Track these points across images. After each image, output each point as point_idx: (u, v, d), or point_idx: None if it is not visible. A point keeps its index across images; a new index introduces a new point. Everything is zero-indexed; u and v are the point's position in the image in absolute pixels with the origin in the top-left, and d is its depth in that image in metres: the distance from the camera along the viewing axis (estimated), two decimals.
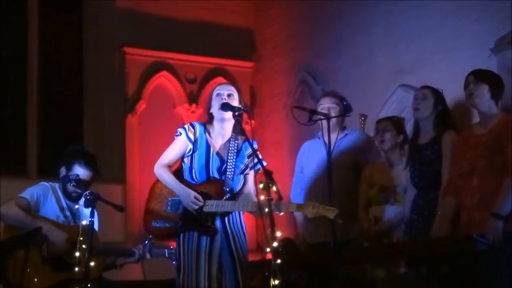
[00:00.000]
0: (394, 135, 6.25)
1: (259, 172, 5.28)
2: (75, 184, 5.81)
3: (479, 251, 4.85)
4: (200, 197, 5.08)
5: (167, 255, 6.00)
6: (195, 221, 5.10)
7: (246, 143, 5.24)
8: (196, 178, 5.20)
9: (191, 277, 5.05)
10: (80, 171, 5.93)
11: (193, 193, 5.08)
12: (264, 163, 5.03)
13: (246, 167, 5.28)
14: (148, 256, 6.08)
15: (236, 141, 5.27)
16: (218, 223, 5.14)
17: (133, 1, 9.66)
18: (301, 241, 6.60)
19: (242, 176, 5.27)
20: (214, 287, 5.03)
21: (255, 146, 5.20)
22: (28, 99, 9.52)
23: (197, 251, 5.08)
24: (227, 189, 5.16)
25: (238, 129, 5.30)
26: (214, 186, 5.16)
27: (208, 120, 5.35)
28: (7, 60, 9.43)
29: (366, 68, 8.43)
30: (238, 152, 5.27)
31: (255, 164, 5.26)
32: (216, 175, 5.19)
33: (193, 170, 5.20)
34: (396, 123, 6.35)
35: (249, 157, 5.28)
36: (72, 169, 5.94)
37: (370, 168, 6.35)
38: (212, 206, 5.09)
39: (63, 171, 6.01)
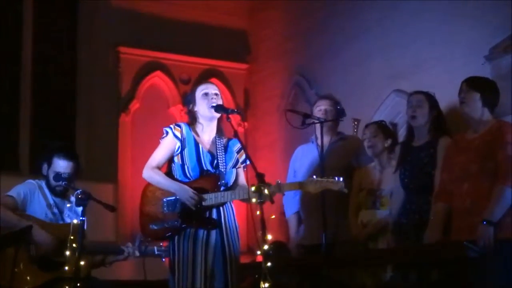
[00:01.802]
0: (382, 139, 6.29)
1: (246, 169, 5.31)
2: (65, 182, 5.82)
3: (469, 258, 4.84)
4: (197, 192, 5.08)
5: (156, 252, 5.98)
6: (195, 216, 5.10)
7: (233, 140, 5.30)
8: (190, 175, 5.20)
9: (186, 274, 5.03)
10: (60, 163, 5.93)
11: (190, 188, 5.09)
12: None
13: (237, 161, 5.31)
14: (137, 254, 6.06)
15: (221, 139, 5.30)
16: (215, 216, 5.16)
17: (129, 0, 9.65)
18: (292, 244, 6.60)
19: (234, 169, 5.29)
20: (210, 285, 5.02)
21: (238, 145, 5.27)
22: (21, 96, 9.49)
23: (194, 250, 5.07)
24: (223, 182, 5.17)
25: (221, 129, 5.33)
26: (209, 180, 5.17)
27: (191, 120, 5.36)
28: (1, 58, 9.40)
29: (360, 73, 8.43)
30: (226, 148, 5.30)
31: (245, 159, 5.28)
32: (210, 169, 5.20)
33: (186, 167, 5.20)
34: (384, 127, 6.40)
35: (237, 152, 5.32)
36: (52, 163, 5.94)
37: (359, 172, 6.37)
38: (211, 199, 5.11)
39: (45, 167, 6.01)
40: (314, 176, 5.11)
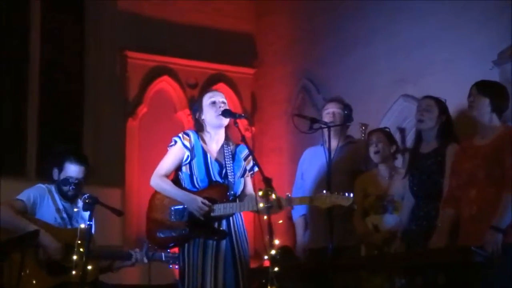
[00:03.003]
0: (387, 145, 6.30)
1: (254, 175, 5.31)
2: (74, 187, 5.83)
3: (476, 263, 4.83)
4: (207, 202, 5.07)
5: (163, 258, 5.97)
6: (204, 227, 5.09)
7: (240, 146, 5.31)
8: (198, 185, 5.20)
9: (196, 283, 5.03)
10: (72, 168, 5.92)
11: (199, 198, 5.08)
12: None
13: (245, 170, 5.31)
14: (145, 260, 6.06)
15: (229, 147, 5.30)
16: (224, 226, 5.15)
17: (135, 5, 9.66)
18: (299, 248, 6.59)
19: (242, 179, 5.28)
20: None
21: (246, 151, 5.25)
22: (28, 101, 9.50)
23: (203, 257, 5.07)
24: (231, 192, 5.17)
25: (229, 136, 5.32)
26: (217, 190, 5.17)
27: (199, 128, 5.35)
28: (8, 62, 9.42)
29: (367, 77, 8.42)
30: (233, 156, 5.29)
31: (253, 167, 5.28)
32: (219, 180, 5.20)
33: (194, 177, 5.20)
34: (388, 134, 6.41)
35: (245, 159, 5.31)
36: (64, 168, 5.94)
37: (362, 179, 6.36)
38: (219, 209, 5.10)
39: (55, 172, 6.01)
40: (324, 191, 5.11)
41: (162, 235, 5.17)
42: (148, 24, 9.69)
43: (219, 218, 5.12)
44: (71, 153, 6.05)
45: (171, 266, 5.89)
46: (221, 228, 5.13)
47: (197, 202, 5.06)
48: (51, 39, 9.74)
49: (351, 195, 5.08)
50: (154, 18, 9.73)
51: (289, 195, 5.09)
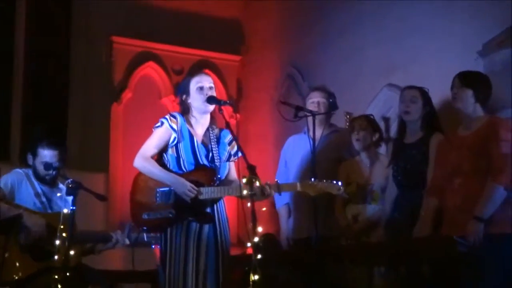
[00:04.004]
0: (370, 133, 6.28)
1: (236, 160, 5.31)
2: (45, 167, 5.81)
3: (460, 254, 4.86)
4: (194, 187, 5.05)
5: (146, 239, 5.96)
6: (190, 209, 5.07)
7: (224, 131, 5.30)
8: (185, 167, 5.17)
9: (178, 271, 5.02)
10: (45, 153, 5.91)
11: (187, 182, 5.05)
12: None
13: (229, 154, 5.30)
14: (127, 241, 6.05)
15: (213, 131, 5.30)
16: (208, 210, 5.15)
17: None
18: (283, 236, 6.59)
19: (227, 163, 5.28)
20: (201, 279, 5.01)
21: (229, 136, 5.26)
22: (13, 85, 9.46)
23: (186, 241, 5.05)
24: (218, 176, 5.16)
25: (214, 119, 5.31)
26: (204, 173, 5.14)
27: (184, 111, 5.32)
28: None
29: (354, 66, 8.41)
30: (218, 140, 5.29)
31: (237, 152, 5.27)
32: (206, 163, 5.18)
33: (181, 160, 5.17)
34: (371, 121, 6.39)
35: (229, 144, 5.31)
36: (37, 153, 5.92)
37: (345, 165, 6.36)
38: (207, 193, 5.08)
39: (30, 157, 5.99)
40: (312, 179, 5.11)
41: (147, 217, 5.12)
42: (135, 9, 9.64)
43: (205, 202, 5.10)
44: (43, 138, 6.01)
45: (153, 246, 5.88)
46: (207, 212, 5.12)
47: (185, 186, 5.03)
48: (37, 25, 9.68)
49: (340, 183, 5.08)
50: (141, 4, 9.69)
51: (278, 182, 5.09)
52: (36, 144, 5.93)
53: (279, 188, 5.06)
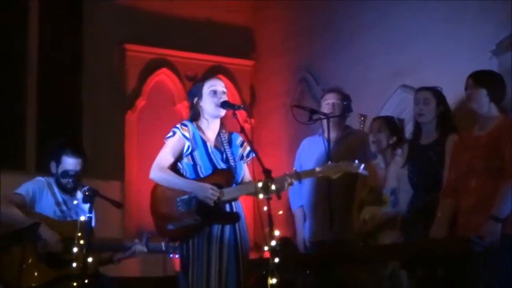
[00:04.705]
0: (387, 135, 6.21)
1: (250, 162, 5.30)
2: (73, 179, 5.84)
3: (476, 254, 4.83)
4: (215, 188, 5.02)
5: (164, 248, 5.98)
6: (215, 212, 5.04)
7: (234, 133, 5.31)
8: (202, 173, 5.14)
9: (201, 273, 4.99)
10: (69, 161, 5.95)
11: (208, 185, 5.02)
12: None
13: (242, 155, 5.29)
14: (145, 250, 6.07)
15: (224, 134, 5.29)
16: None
17: None
18: (299, 238, 6.59)
19: (241, 162, 5.27)
20: (224, 282, 4.99)
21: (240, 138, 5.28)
22: (27, 94, 9.49)
23: (208, 246, 5.01)
24: (235, 176, 5.15)
25: (223, 123, 5.30)
26: (223, 175, 5.12)
27: (194, 116, 5.30)
28: (6, 55, 9.40)
29: (365, 69, 8.42)
30: (230, 143, 5.28)
31: (249, 152, 5.26)
32: (223, 166, 5.17)
33: (198, 166, 5.14)
34: (390, 123, 6.32)
35: (241, 145, 5.30)
36: (61, 161, 5.95)
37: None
38: (229, 193, 5.06)
39: (53, 165, 6.02)
40: (329, 162, 5.09)
41: (172, 227, 5.07)
42: (147, 16, 9.68)
43: (227, 203, 5.09)
44: (67, 146, 6.05)
45: (171, 255, 5.88)
46: (233, 211, 5.11)
47: (206, 189, 5.00)
48: (49, 33, 9.72)
49: (357, 161, 5.05)
50: (152, 11, 9.72)
51: (296, 169, 5.07)
52: (60, 152, 5.97)
53: (298, 175, 5.04)
